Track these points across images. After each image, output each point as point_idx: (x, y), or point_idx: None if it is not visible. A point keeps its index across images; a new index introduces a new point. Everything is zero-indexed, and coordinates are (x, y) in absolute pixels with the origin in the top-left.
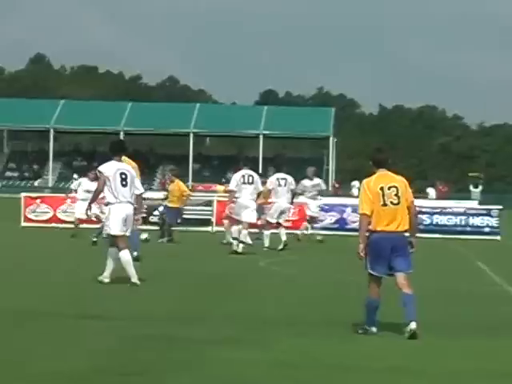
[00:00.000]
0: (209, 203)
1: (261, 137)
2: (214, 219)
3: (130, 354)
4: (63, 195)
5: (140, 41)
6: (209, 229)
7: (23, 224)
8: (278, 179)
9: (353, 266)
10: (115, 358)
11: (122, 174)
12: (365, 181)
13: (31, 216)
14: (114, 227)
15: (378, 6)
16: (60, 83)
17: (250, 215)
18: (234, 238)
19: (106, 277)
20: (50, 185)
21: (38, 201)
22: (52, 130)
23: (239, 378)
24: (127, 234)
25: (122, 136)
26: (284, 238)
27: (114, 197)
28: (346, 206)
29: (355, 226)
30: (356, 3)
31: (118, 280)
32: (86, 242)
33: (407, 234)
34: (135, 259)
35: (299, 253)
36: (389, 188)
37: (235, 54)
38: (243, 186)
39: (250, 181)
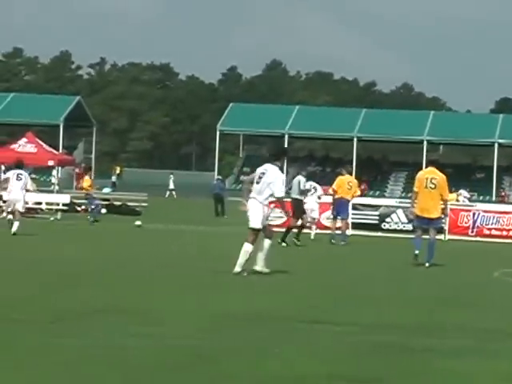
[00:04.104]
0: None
1: (496, 145)
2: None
3: (361, 360)
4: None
5: (375, 48)
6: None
7: None
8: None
9: None
10: (348, 364)
11: (261, 172)
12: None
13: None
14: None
15: None
16: (295, 89)
17: None
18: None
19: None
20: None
21: (273, 205)
22: (287, 136)
23: None
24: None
25: (355, 142)
26: None
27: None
28: None
29: None
30: None
31: (357, 285)
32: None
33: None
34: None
35: None
36: (430, 179)
37: (471, 61)
38: None
39: None
